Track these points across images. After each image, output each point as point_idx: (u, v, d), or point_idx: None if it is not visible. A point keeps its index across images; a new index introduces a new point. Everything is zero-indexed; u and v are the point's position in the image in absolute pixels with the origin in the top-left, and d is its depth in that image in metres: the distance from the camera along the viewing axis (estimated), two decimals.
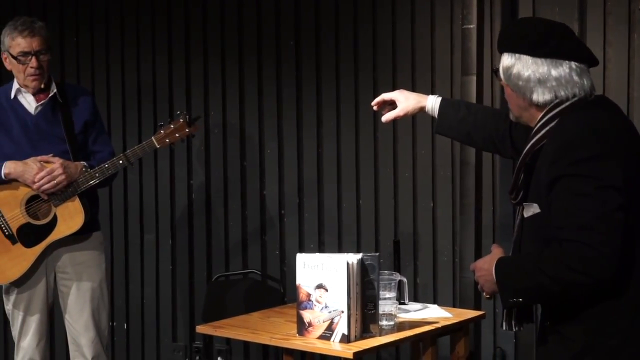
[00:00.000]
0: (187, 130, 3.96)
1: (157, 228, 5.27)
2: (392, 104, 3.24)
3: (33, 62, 3.98)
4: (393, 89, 3.29)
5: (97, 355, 4.16)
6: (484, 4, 4.29)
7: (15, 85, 4.08)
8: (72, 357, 4.23)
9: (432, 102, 3.16)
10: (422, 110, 3.19)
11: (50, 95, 4.07)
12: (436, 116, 3.15)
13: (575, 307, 2.53)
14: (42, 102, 4.07)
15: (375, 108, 3.30)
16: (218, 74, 5.08)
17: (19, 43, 3.99)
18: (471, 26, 4.20)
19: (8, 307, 4.17)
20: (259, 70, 4.99)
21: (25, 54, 3.99)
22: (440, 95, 3.19)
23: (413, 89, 4.18)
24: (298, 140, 4.93)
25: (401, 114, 3.20)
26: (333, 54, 4.81)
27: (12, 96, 4.08)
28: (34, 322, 4.14)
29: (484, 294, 2.70)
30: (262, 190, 5.03)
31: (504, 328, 2.75)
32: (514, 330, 2.75)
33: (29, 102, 4.08)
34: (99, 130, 4.21)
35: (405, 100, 3.20)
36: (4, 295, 4.18)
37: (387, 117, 3.24)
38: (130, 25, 5.25)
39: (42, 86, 4.05)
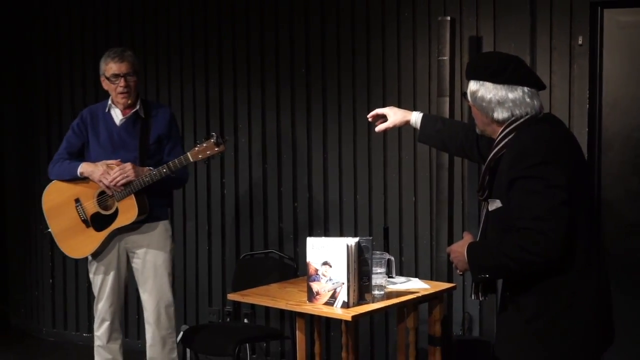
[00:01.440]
0: (216, 149, 3.82)
1: (197, 217, 5.26)
2: (383, 118, 3.22)
3: (121, 82, 3.96)
4: (384, 107, 3.27)
5: (157, 319, 4.11)
6: (455, 40, 4.27)
7: (109, 102, 4.07)
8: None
9: (415, 117, 3.14)
10: (407, 123, 3.17)
11: (133, 110, 4.04)
12: (418, 128, 3.13)
13: (529, 282, 2.52)
14: (126, 116, 4.04)
15: (370, 119, 3.27)
16: (245, 98, 5.06)
17: (110, 67, 3.97)
18: (445, 58, 4.17)
19: (91, 275, 4.16)
20: (277, 93, 4.97)
21: (115, 75, 3.97)
22: (421, 112, 3.18)
23: (399, 107, 4.15)
24: (308, 148, 4.90)
25: (390, 125, 3.18)
26: (335, 80, 4.79)
27: (107, 110, 4.07)
28: (107, 290, 4.12)
29: (458, 271, 2.69)
30: (279, 188, 5.01)
31: (472, 298, 2.74)
32: (480, 299, 2.73)
33: (117, 116, 4.06)
34: (174, 143, 4.12)
35: (394, 115, 3.18)
36: (88, 266, 4.17)
37: (379, 128, 3.22)
38: (187, 61, 5.20)
39: (130, 102, 4.02)
